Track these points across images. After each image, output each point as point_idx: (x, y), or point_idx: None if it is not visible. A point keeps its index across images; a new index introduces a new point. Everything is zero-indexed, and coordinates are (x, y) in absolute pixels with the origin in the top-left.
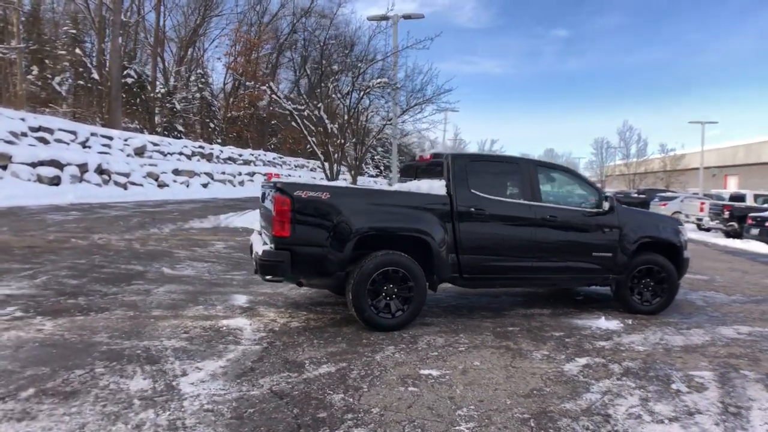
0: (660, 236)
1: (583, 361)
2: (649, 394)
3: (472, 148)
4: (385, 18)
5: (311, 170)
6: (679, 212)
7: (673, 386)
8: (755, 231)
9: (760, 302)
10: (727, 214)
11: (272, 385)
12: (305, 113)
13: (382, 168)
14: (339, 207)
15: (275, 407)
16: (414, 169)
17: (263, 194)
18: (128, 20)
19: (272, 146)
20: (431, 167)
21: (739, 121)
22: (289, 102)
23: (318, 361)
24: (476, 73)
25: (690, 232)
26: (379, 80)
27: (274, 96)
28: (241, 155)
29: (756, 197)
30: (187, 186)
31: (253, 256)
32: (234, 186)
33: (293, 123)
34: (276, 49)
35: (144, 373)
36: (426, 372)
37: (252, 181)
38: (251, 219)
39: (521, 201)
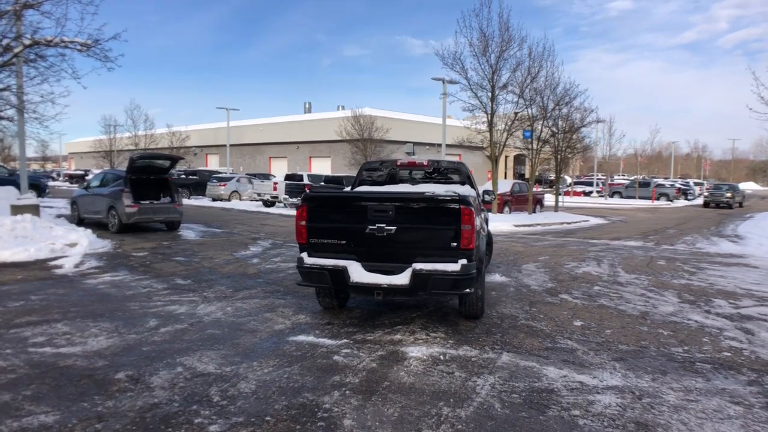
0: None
1: (565, 296)
2: (627, 304)
3: None
4: None
5: None
6: (236, 191)
7: (639, 292)
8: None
9: None
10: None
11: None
12: None
13: None
14: (478, 214)
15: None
16: (384, 172)
17: (384, 208)
18: None
19: None
20: (430, 173)
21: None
22: None
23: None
24: None
25: (257, 208)
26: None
27: None
28: None
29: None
30: None
31: (356, 281)
32: None
33: None
34: None
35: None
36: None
37: None
38: None
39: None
